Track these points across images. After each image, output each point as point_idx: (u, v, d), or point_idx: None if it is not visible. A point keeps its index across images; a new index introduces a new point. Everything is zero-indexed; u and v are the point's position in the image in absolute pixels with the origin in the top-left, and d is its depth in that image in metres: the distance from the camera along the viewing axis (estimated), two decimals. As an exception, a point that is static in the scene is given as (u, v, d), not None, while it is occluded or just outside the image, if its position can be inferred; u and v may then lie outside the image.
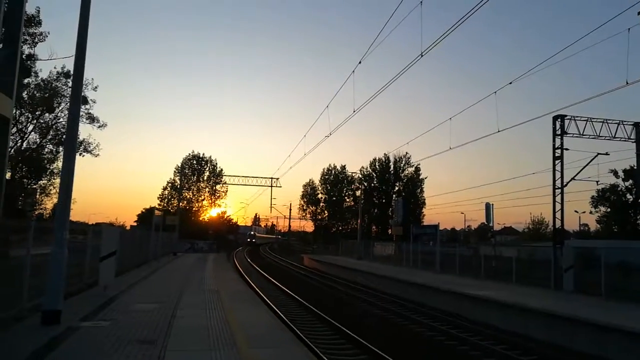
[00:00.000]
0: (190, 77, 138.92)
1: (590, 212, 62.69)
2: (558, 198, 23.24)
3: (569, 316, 13.15)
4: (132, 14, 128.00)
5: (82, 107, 33.48)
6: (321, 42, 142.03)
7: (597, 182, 32.44)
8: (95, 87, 38.48)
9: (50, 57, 34.52)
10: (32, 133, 37.17)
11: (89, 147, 39.00)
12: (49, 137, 37.94)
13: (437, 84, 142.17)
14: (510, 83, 18.96)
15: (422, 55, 14.14)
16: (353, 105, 49.02)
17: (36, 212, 39.14)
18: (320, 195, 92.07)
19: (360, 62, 16.00)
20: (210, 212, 80.00)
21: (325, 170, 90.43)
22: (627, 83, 14.05)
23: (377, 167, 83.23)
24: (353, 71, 16.33)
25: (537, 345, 12.47)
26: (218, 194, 79.58)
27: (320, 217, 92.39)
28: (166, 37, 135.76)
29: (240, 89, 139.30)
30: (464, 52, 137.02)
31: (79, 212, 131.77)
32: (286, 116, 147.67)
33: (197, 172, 79.03)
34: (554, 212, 23.31)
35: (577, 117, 24.12)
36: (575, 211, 69.23)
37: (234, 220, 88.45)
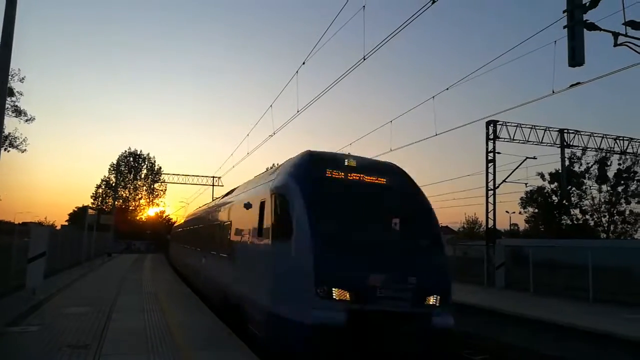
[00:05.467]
0: (128, 72, 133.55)
1: (520, 213, 66.37)
2: (490, 199, 24.43)
3: (502, 311, 13.86)
4: (66, 4, 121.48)
5: (8, 99, 31.44)
6: (265, 41, 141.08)
7: (525, 184, 34.57)
8: (22, 79, 36.35)
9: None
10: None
11: (15, 141, 36.74)
12: (-30, 130, 35.34)
13: (379, 87, 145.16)
14: (447, 89, 19.65)
15: (364, 59, 14.37)
16: (297, 106, 49.13)
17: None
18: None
19: (304, 63, 16.01)
20: (147, 212, 77.52)
21: (269, 170, 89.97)
22: (553, 92, 14.94)
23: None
24: (297, 72, 16.30)
25: (471, 339, 13.03)
26: (156, 193, 77.33)
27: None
28: (104, 30, 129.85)
29: (181, 87, 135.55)
30: (404, 56, 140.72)
31: (4, 210, 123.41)
32: (229, 115, 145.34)
33: (134, 169, 76.36)
34: (487, 212, 24.51)
35: (508, 122, 25.45)
36: (506, 211, 72.91)
37: (173, 220, 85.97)
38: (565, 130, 27.04)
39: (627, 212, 59.09)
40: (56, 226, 61.76)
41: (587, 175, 59.17)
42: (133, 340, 8.58)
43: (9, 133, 36.28)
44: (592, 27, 10.83)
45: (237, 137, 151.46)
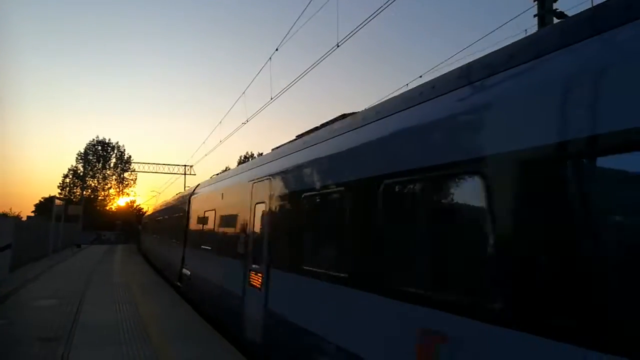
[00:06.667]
0: (97, 58, 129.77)
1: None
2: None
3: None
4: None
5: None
6: (237, 27, 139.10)
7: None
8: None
9: None
10: None
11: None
12: None
13: (353, 75, 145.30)
14: (421, 77, 19.78)
15: (338, 46, 14.32)
16: (270, 93, 48.79)
17: None
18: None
19: (277, 50, 15.85)
20: (118, 202, 76.03)
21: (242, 158, 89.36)
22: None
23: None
24: (270, 58, 16.12)
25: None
26: (126, 182, 75.84)
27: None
28: (70, 15, 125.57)
29: (151, 74, 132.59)
30: (378, 44, 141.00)
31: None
32: (201, 102, 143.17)
33: (103, 158, 74.62)
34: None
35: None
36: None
37: (144, 210, 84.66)
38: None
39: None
40: (22, 217, 60.04)
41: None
42: (104, 332, 8.43)
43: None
44: (562, 16, 11.03)
45: (210, 125, 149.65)
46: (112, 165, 75.31)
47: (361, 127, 4.84)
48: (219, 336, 8.46)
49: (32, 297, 12.29)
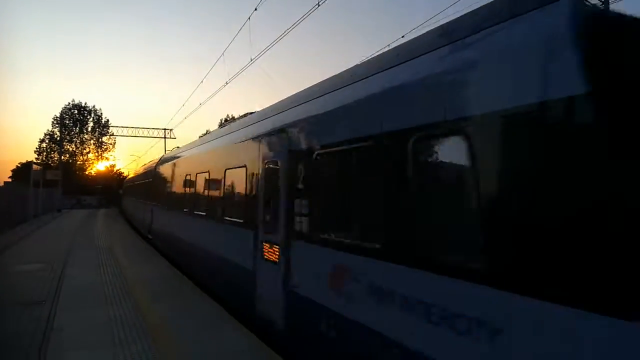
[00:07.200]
0: (73, 18, 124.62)
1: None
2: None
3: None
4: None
5: None
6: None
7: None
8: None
9: None
10: None
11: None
12: None
13: (335, 35, 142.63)
14: (403, 37, 19.52)
15: (318, 5, 14.02)
16: (250, 54, 47.74)
17: None
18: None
19: (256, 9, 15.46)
20: (97, 166, 74.99)
21: (223, 121, 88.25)
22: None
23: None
24: (249, 18, 15.73)
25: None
26: (105, 147, 74.56)
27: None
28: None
29: (127, 34, 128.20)
30: (360, 3, 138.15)
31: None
32: (179, 63, 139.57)
33: (80, 122, 72.95)
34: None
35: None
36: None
37: (124, 174, 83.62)
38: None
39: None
40: (-1, 183, 58.94)
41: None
42: (91, 294, 8.52)
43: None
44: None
45: (190, 88, 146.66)
46: (89, 129, 73.81)
47: None
48: (201, 292, 8.63)
49: (15, 262, 12.27)
